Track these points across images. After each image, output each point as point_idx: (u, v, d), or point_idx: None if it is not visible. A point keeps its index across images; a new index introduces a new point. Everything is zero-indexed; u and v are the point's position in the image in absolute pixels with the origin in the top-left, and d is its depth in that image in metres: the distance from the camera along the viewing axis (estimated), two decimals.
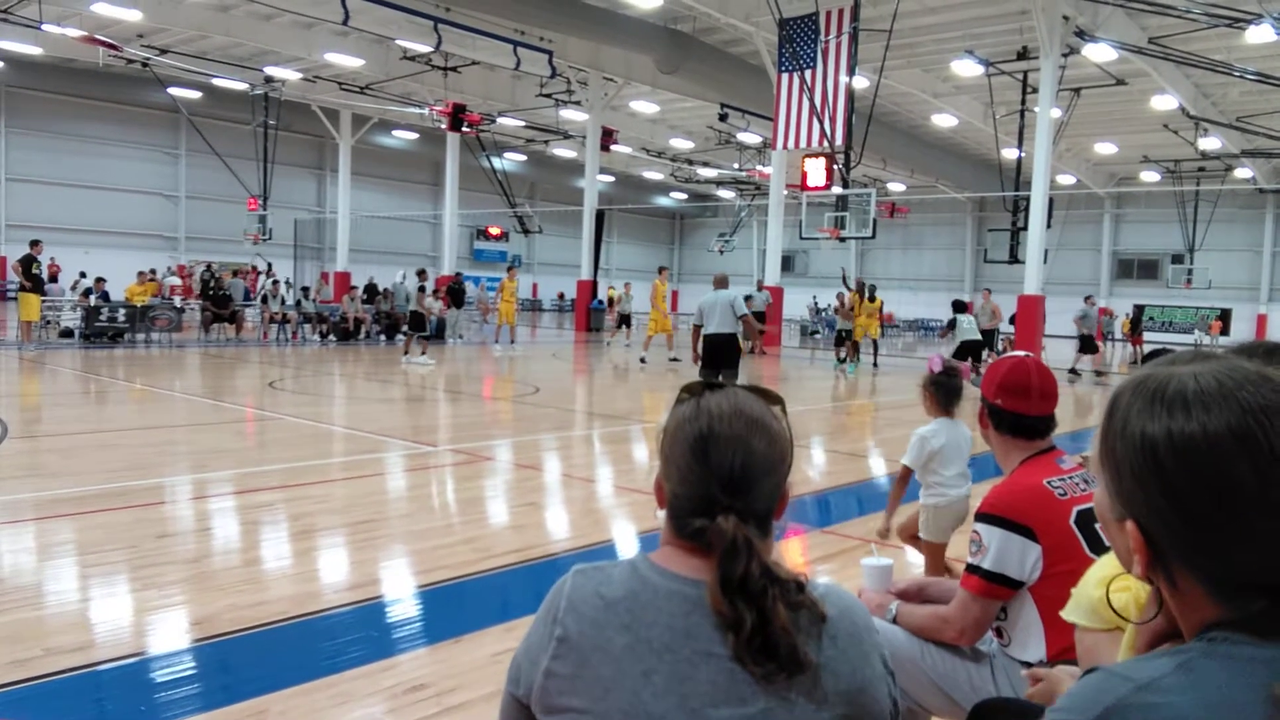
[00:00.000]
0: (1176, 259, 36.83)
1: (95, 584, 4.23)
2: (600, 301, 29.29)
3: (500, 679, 1.33)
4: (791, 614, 1.16)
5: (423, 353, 16.05)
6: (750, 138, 30.16)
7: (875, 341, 19.70)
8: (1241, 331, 36.15)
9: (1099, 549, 2.01)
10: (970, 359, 15.26)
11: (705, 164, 37.82)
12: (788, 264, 34.95)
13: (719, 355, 9.23)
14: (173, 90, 28.25)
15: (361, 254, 34.97)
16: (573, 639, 1.19)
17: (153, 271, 25.72)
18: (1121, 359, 24.81)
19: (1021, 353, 2.53)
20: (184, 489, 6.29)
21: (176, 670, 3.34)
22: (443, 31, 20.95)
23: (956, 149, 33.28)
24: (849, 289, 19.41)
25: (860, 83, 18.93)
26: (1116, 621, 1.47)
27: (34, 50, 24.94)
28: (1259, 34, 17.40)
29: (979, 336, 16.51)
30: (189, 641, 3.58)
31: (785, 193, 24.13)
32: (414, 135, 35.98)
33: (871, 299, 19.18)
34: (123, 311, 18.16)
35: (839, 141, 17.83)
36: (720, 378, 7.42)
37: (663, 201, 48.12)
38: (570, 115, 29.15)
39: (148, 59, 24.33)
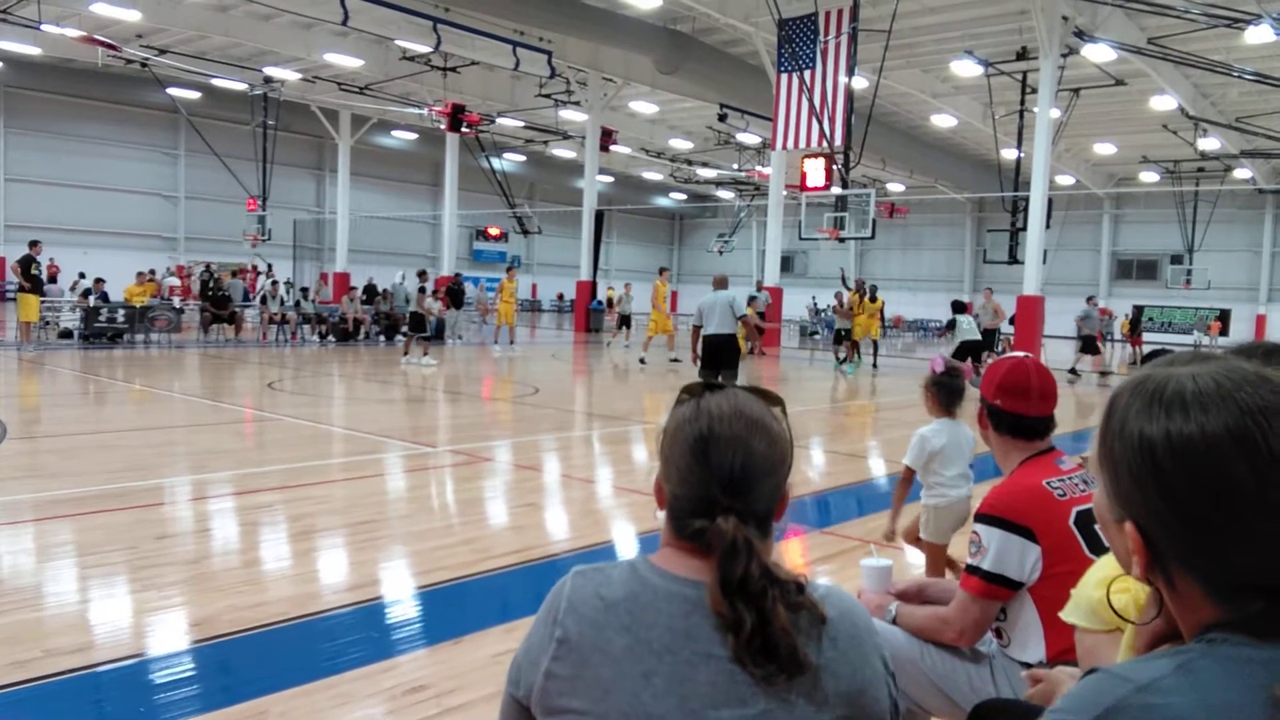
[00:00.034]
0: (1176, 259, 36.85)
1: (95, 585, 4.23)
2: (599, 302, 29.29)
3: (500, 680, 1.33)
4: (791, 615, 1.16)
5: (425, 354, 16.05)
6: (749, 138, 30.16)
7: (875, 342, 19.71)
8: (1241, 332, 36.17)
9: (1098, 550, 2.01)
10: (970, 359, 15.27)
11: (704, 164, 37.83)
12: (787, 264, 34.97)
13: (718, 356, 9.24)
14: (172, 90, 28.26)
15: (361, 254, 34.99)
16: (573, 640, 1.19)
17: (152, 272, 25.71)
18: (1121, 359, 24.81)
19: (1020, 353, 2.53)
20: (183, 490, 6.29)
21: (176, 671, 3.34)
22: (442, 32, 20.96)
23: (956, 149, 33.30)
24: (848, 289, 19.43)
25: (859, 83, 18.93)
26: (1116, 622, 1.47)
27: (33, 50, 24.95)
28: (1258, 34, 17.41)
29: (979, 337, 16.53)
30: (189, 643, 3.58)
31: (784, 193, 24.14)
32: (413, 136, 36.00)
33: (873, 299, 19.19)
34: (122, 312, 18.15)
35: (838, 142, 17.83)
36: (720, 378, 7.41)
37: (662, 202, 48.12)
38: (569, 115, 29.16)
39: (147, 59, 24.33)
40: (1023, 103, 22.20)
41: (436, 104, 26.40)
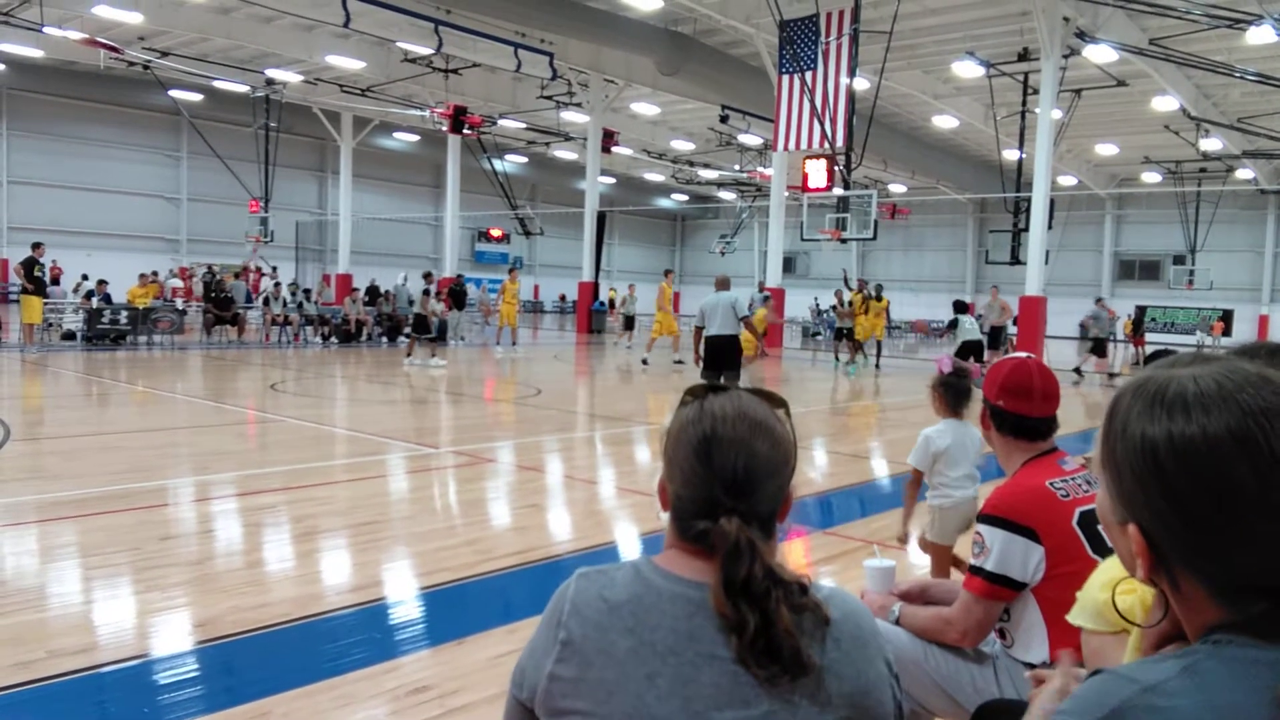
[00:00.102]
0: (1178, 260, 36.81)
1: (98, 586, 4.24)
2: (602, 303, 29.29)
3: (503, 681, 1.33)
4: (795, 616, 1.16)
5: (432, 355, 16.06)
6: (751, 139, 30.16)
7: (879, 343, 19.71)
8: (1243, 332, 36.13)
9: (1101, 550, 2.01)
10: (971, 358, 15.26)
11: (706, 166, 37.83)
12: (789, 265, 34.96)
13: (721, 357, 9.24)
14: (174, 93, 28.29)
15: (363, 256, 35.01)
16: (577, 642, 1.19)
17: (154, 274, 25.76)
18: (1123, 360, 24.78)
19: (1023, 354, 2.53)
20: (186, 491, 6.29)
21: (179, 672, 3.34)
22: (443, 34, 20.98)
23: (957, 150, 33.29)
24: (850, 289, 19.44)
25: (861, 84, 18.93)
26: (1122, 624, 1.47)
27: (35, 53, 25.01)
28: (1259, 35, 17.39)
29: (979, 336, 16.53)
30: (192, 643, 3.59)
31: (786, 194, 24.14)
32: (415, 137, 36.03)
33: (878, 298, 19.18)
34: (124, 314, 18.17)
35: (840, 143, 17.82)
36: (722, 379, 7.43)
37: (664, 203, 48.13)
38: (571, 117, 29.17)
39: (149, 61, 24.35)
40: (1024, 104, 22.18)
41: (438, 106, 26.41)
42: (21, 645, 3.42)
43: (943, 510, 3.82)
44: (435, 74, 25.96)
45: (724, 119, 27.18)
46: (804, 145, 18.30)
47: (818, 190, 18.23)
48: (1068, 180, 35.01)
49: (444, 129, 27.07)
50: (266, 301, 21.57)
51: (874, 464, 8.70)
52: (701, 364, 9.36)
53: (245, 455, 7.73)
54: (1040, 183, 19.23)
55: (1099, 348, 19.16)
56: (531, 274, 46.15)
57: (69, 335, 18.17)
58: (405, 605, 4.22)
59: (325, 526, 5.41)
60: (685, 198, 47.70)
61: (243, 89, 27.92)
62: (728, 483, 1.21)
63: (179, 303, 22.69)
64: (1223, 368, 0.85)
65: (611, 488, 7.13)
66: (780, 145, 18.86)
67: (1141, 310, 32.75)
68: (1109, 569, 1.65)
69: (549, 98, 27.05)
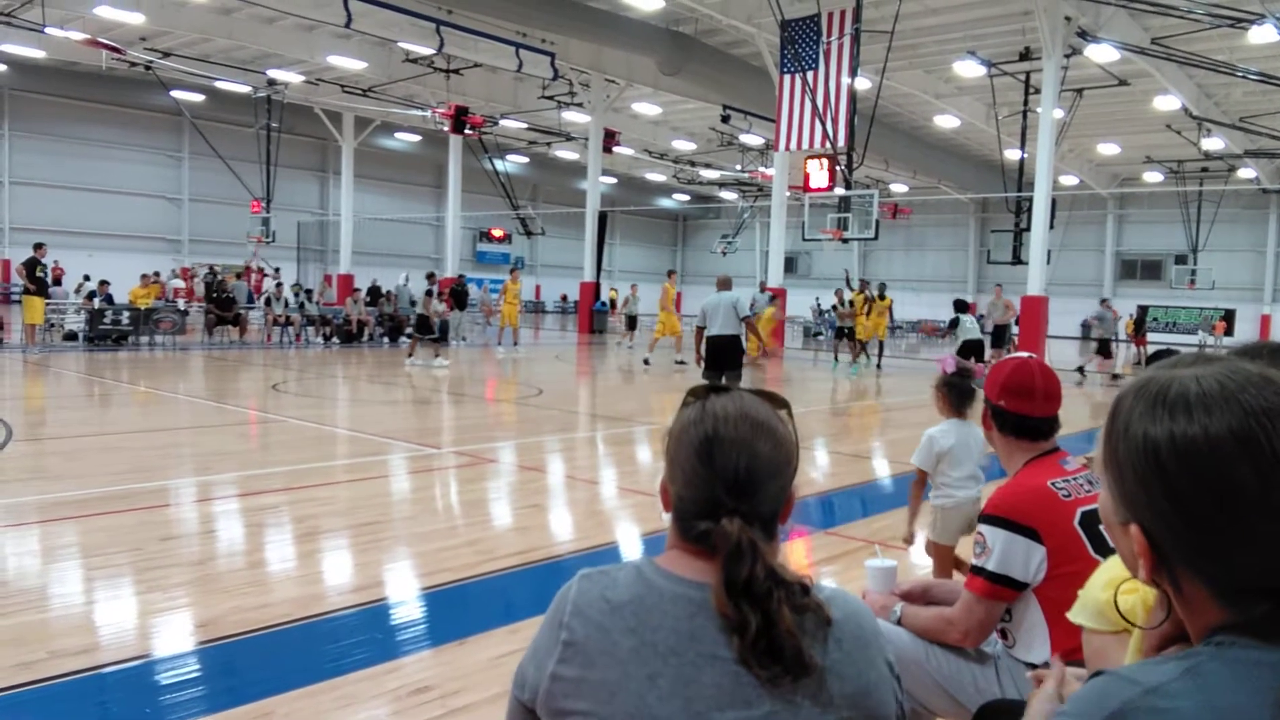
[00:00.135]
0: (1180, 259, 36.79)
1: (99, 587, 4.24)
2: (603, 303, 29.28)
3: (505, 681, 1.33)
4: (797, 617, 1.16)
5: (436, 355, 16.06)
6: (752, 139, 30.15)
7: (881, 343, 19.70)
8: (1245, 332, 36.10)
9: (1103, 550, 2.01)
10: (972, 358, 15.26)
11: (708, 165, 37.83)
12: (790, 265, 34.94)
13: (722, 357, 9.23)
14: (175, 93, 28.30)
15: (364, 256, 35.03)
16: (579, 643, 1.19)
17: (156, 274, 25.77)
18: (1126, 360, 24.76)
19: (1025, 354, 2.53)
20: (188, 491, 6.30)
21: (181, 673, 3.35)
22: (445, 34, 20.99)
23: (959, 150, 33.27)
24: (852, 289, 19.43)
25: (862, 84, 18.92)
26: (1123, 624, 1.46)
27: (37, 54, 25.03)
28: (1261, 34, 17.38)
29: (980, 336, 16.52)
30: (193, 644, 3.59)
31: (788, 194, 24.11)
32: (416, 138, 36.04)
33: (881, 297, 19.17)
34: (126, 314, 18.19)
35: (841, 143, 17.82)
36: (724, 379, 7.43)
37: (665, 203, 48.12)
38: (572, 117, 29.18)
39: (150, 62, 24.38)
40: (1026, 103, 22.15)
41: (439, 106, 26.42)
42: (23, 646, 3.43)
43: (945, 510, 3.82)
44: (436, 74, 25.97)
45: (725, 119, 27.18)
46: (805, 145, 18.30)
47: (819, 190, 18.23)
48: (1069, 180, 34.98)
49: (445, 129, 27.09)
50: (268, 302, 21.59)
51: (875, 464, 8.69)
52: (703, 364, 9.35)
53: (247, 455, 7.74)
54: (1042, 182, 19.22)
55: (1104, 348, 19.18)
56: (533, 274, 46.15)
57: (71, 336, 18.18)
58: (407, 605, 4.22)
59: (327, 527, 5.42)
60: (686, 198, 47.70)
61: (244, 89, 27.94)
62: (729, 483, 1.21)
63: (181, 303, 22.71)
64: (1225, 368, 0.85)
65: (613, 488, 7.13)
66: (781, 145, 18.86)
67: (1143, 310, 32.73)
68: (1111, 568, 1.65)
69: (550, 98, 27.06)
